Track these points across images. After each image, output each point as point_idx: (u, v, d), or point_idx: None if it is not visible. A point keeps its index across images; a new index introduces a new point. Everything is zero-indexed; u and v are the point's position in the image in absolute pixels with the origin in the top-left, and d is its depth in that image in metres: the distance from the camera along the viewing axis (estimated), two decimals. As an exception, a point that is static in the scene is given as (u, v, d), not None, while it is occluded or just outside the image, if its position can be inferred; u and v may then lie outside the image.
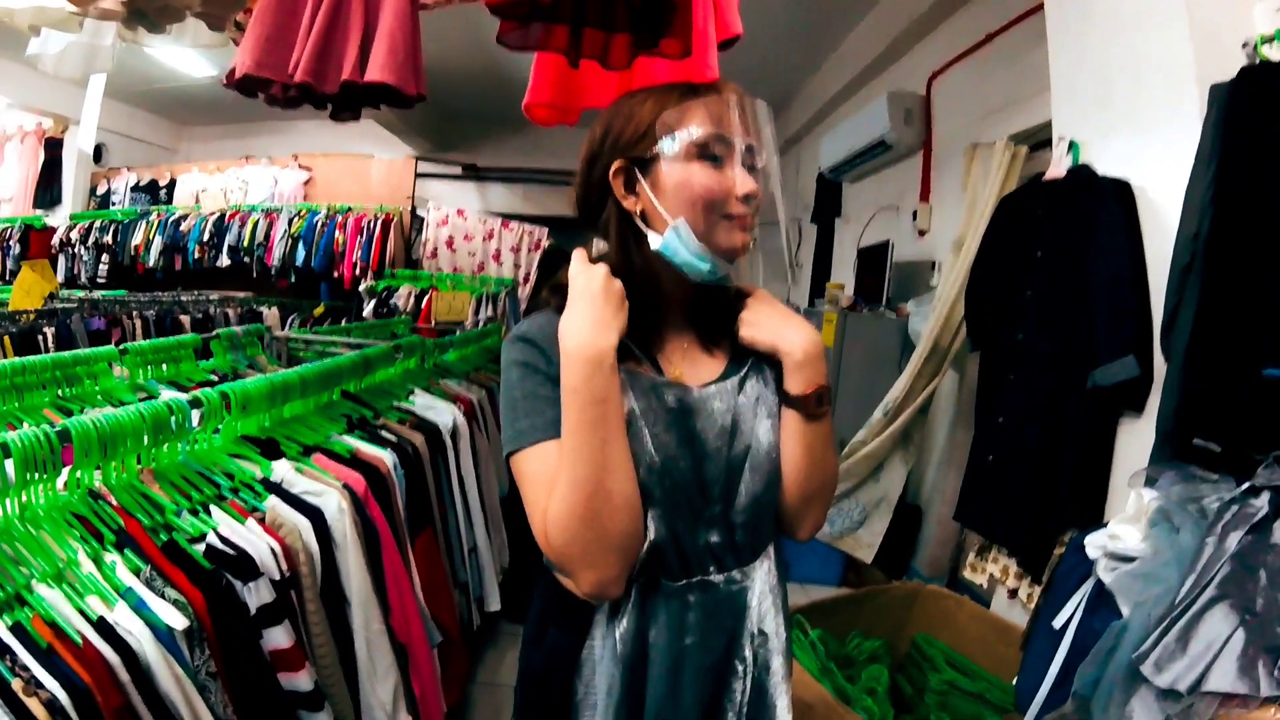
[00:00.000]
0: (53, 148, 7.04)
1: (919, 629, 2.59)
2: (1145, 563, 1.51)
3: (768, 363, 1.11)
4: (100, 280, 6.72)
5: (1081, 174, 2.23)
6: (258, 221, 6.61)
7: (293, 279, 6.58)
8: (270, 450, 1.80)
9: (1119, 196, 2.08)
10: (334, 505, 1.66)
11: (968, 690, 2.27)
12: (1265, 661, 1.21)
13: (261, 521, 1.54)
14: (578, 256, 1.03)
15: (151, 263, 6.71)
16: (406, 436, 2.23)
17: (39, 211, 6.95)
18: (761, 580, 1.06)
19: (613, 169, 1.03)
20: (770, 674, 1.07)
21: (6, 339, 3.54)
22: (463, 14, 2.24)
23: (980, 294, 2.72)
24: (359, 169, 7.28)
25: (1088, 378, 2.08)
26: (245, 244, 6.57)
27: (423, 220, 6.94)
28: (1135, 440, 2.06)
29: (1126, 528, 1.62)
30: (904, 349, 4.02)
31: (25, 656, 1.04)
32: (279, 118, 7.39)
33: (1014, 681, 1.92)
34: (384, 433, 2.19)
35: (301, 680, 1.46)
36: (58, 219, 6.94)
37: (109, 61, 2.92)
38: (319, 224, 6.52)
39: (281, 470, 1.70)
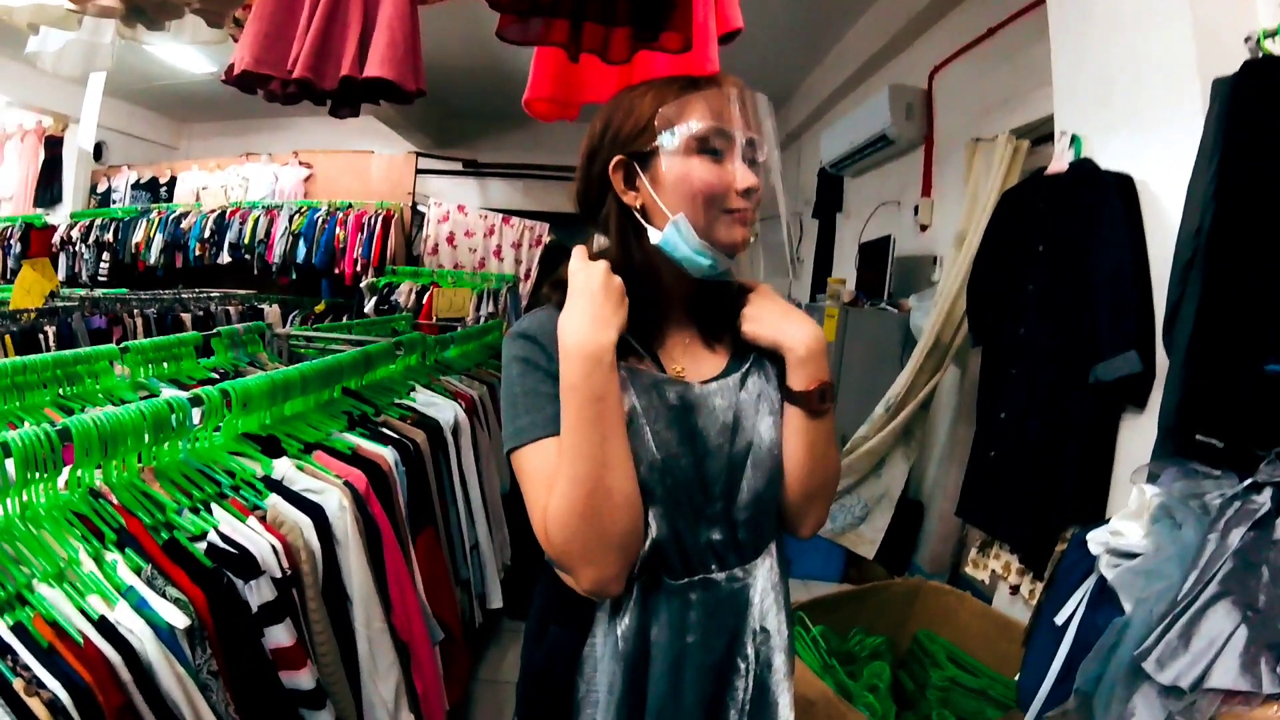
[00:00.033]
0: (53, 146, 7.04)
1: (921, 625, 2.59)
2: (1147, 559, 1.51)
3: (770, 359, 1.10)
4: (101, 278, 6.73)
5: (1083, 168, 2.22)
6: (258, 219, 6.61)
7: (294, 276, 6.58)
8: (271, 448, 1.80)
9: (1121, 191, 2.07)
10: (335, 503, 1.66)
11: (969, 687, 2.28)
12: (1267, 659, 1.21)
13: (263, 519, 1.53)
14: (577, 253, 1.03)
15: (152, 261, 6.71)
16: (408, 433, 2.22)
17: (39, 210, 6.95)
18: (763, 578, 1.06)
19: (612, 164, 1.02)
20: (772, 671, 1.07)
21: (7, 338, 3.54)
22: (462, 9, 2.23)
23: (982, 289, 2.72)
24: (359, 165, 7.28)
25: (1089, 373, 2.08)
26: (246, 241, 6.57)
27: (423, 216, 6.93)
28: (1137, 436, 2.06)
29: (1128, 524, 1.62)
30: (905, 344, 4.01)
31: (26, 656, 1.04)
32: (279, 114, 7.37)
33: (1016, 678, 1.92)
34: (385, 430, 2.18)
35: (303, 679, 1.46)
36: (58, 217, 6.94)
37: (108, 59, 2.92)
38: (320, 221, 6.52)
39: (282, 468, 1.70)
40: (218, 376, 2.40)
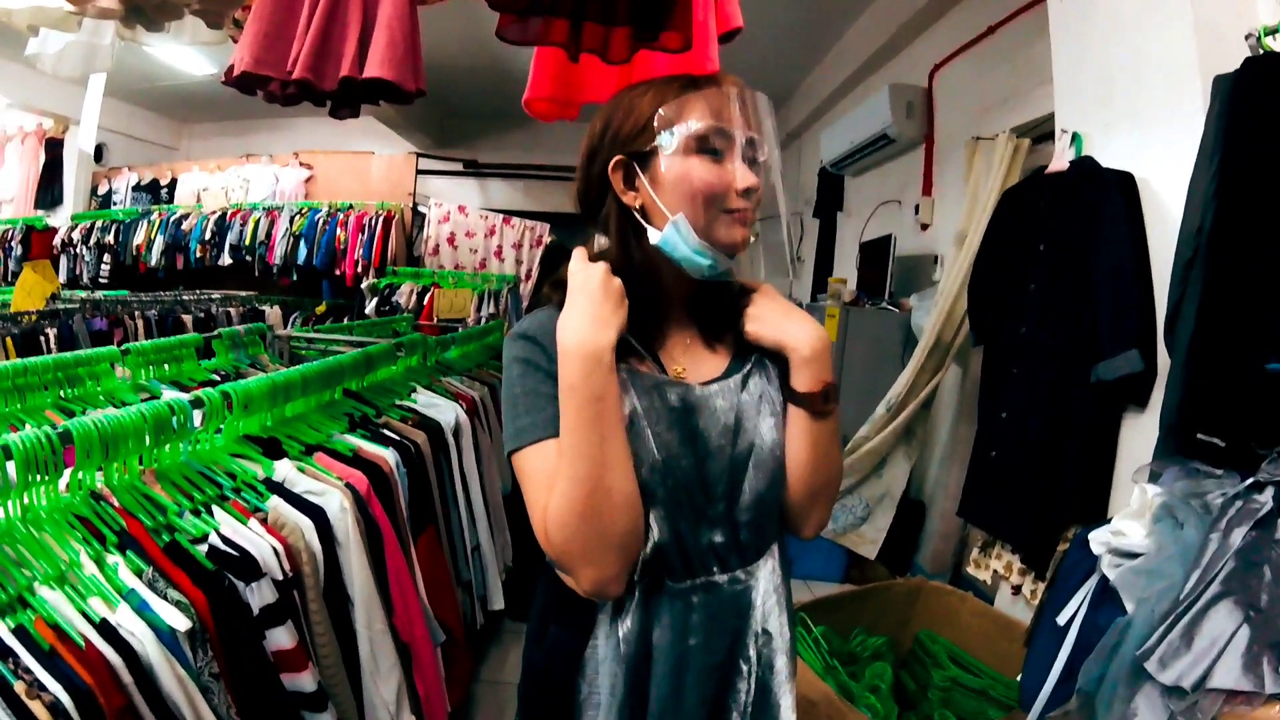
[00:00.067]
0: (53, 148, 7.04)
1: (922, 625, 2.59)
2: (1149, 559, 1.51)
3: (772, 359, 1.10)
4: (102, 280, 6.73)
5: (1084, 167, 2.22)
6: (259, 220, 6.61)
7: (294, 277, 6.58)
8: (272, 450, 1.80)
9: (1122, 189, 2.07)
10: (336, 504, 1.65)
11: (971, 687, 2.27)
12: (1270, 658, 1.21)
13: (264, 521, 1.53)
14: (578, 255, 1.02)
15: (153, 262, 6.71)
16: (409, 435, 2.22)
17: (40, 212, 6.96)
18: (765, 579, 1.06)
19: (612, 164, 1.02)
20: (774, 673, 1.07)
21: (9, 340, 3.54)
22: (462, 8, 2.22)
23: (983, 288, 2.72)
24: (360, 166, 7.28)
25: (1091, 372, 2.08)
26: (247, 242, 6.57)
27: (424, 217, 6.93)
28: (1139, 435, 2.06)
29: (1130, 523, 1.61)
30: (906, 344, 4.02)
31: (28, 659, 1.03)
32: (279, 115, 7.36)
33: (1018, 678, 1.92)
34: (386, 431, 2.18)
35: (305, 681, 1.46)
36: (59, 219, 6.94)
37: (108, 60, 2.92)
38: (320, 222, 6.52)
39: (283, 470, 1.69)
40: (219, 378, 2.40)
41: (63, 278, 6.40)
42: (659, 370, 1.04)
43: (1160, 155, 2.03)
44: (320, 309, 6.31)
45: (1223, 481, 1.53)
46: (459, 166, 8.03)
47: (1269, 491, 1.41)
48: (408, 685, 1.77)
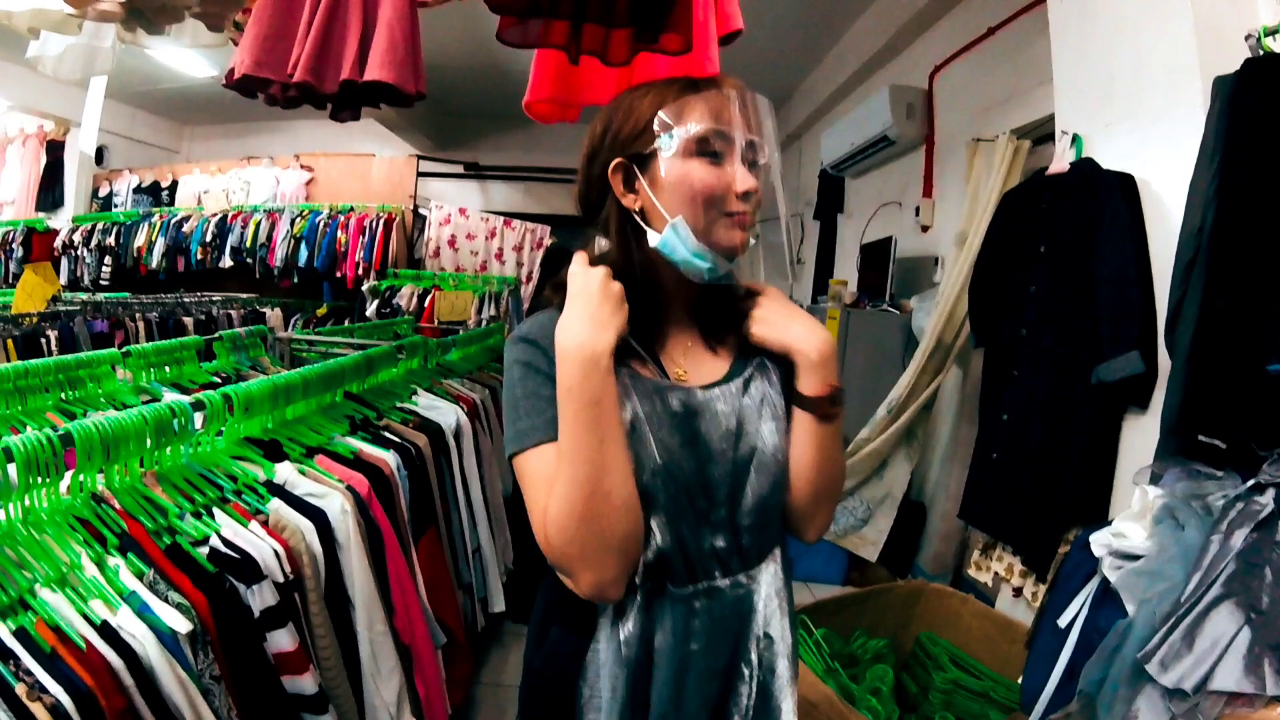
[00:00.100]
0: (54, 150, 7.04)
1: (923, 627, 2.59)
2: (1150, 560, 1.51)
3: (775, 362, 1.10)
4: (103, 282, 6.73)
5: (1085, 168, 2.22)
6: (260, 222, 6.61)
7: (295, 279, 6.58)
8: (273, 452, 1.80)
9: (1123, 190, 2.07)
10: (337, 507, 1.66)
11: (972, 689, 2.27)
12: (1271, 660, 1.21)
13: (264, 524, 1.53)
14: (578, 258, 1.02)
15: (154, 264, 6.71)
16: (409, 437, 2.22)
17: (41, 214, 6.95)
18: (767, 583, 1.06)
19: (611, 166, 1.02)
20: (775, 677, 1.07)
21: (9, 342, 3.54)
22: (462, 11, 2.23)
23: (984, 289, 2.72)
24: (360, 168, 7.28)
25: (1092, 374, 2.08)
26: (248, 245, 6.57)
27: (425, 219, 6.93)
28: (1140, 436, 2.06)
29: (1131, 525, 1.61)
30: (907, 345, 4.01)
31: (29, 661, 1.04)
32: (280, 117, 7.39)
33: (1019, 680, 1.92)
34: (387, 433, 2.18)
35: (305, 683, 1.46)
36: (60, 221, 6.94)
37: (109, 63, 2.92)
38: (321, 224, 6.52)
39: (284, 472, 1.70)
40: (220, 380, 2.40)
41: (63, 280, 6.41)
42: (660, 372, 1.04)
43: (1161, 155, 2.03)
44: (321, 311, 6.32)
45: (1224, 483, 1.53)
46: (460, 169, 8.03)
47: (1270, 493, 1.41)
48: (408, 687, 1.77)
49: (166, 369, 2.31)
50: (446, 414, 2.56)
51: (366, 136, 7.50)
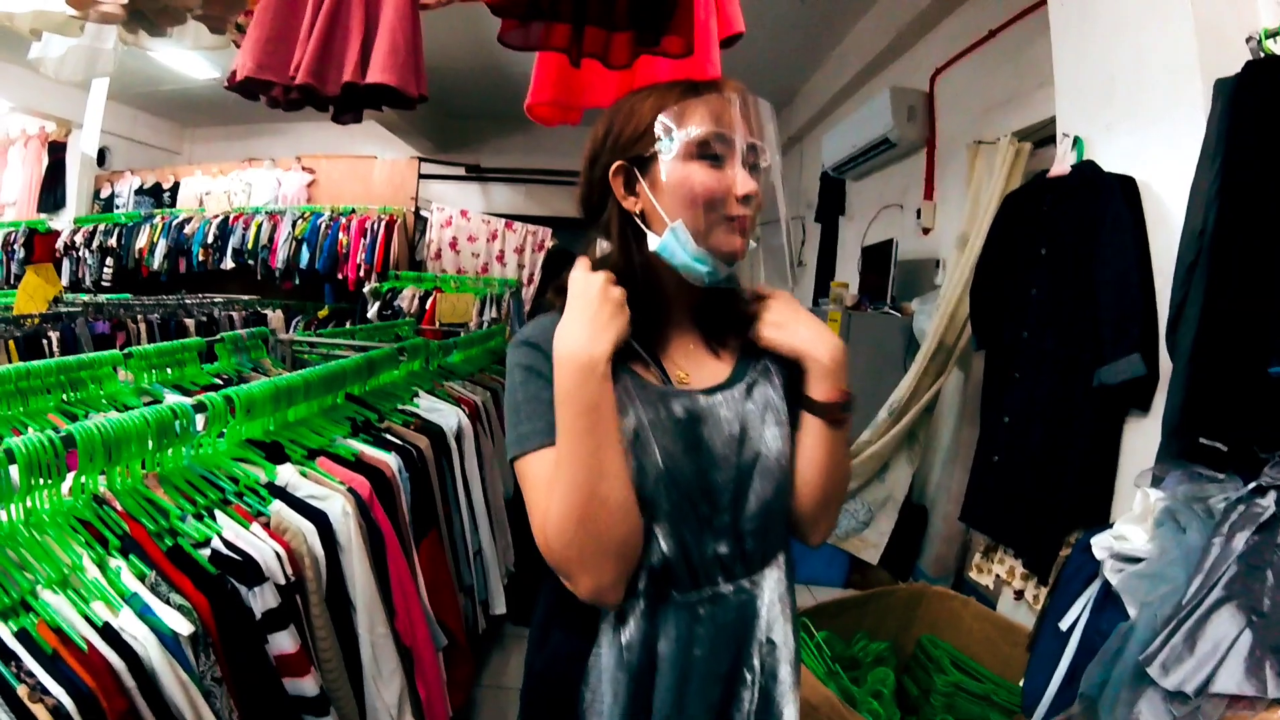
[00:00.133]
0: (56, 151, 7.05)
1: (924, 630, 2.59)
2: (1152, 563, 1.51)
3: (780, 366, 1.10)
4: (104, 284, 6.73)
5: (1086, 170, 2.22)
6: (261, 224, 6.61)
7: (297, 281, 6.58)
8: (275, 454, 1.80)
9: (1124, 193, 2.07)
10: (339, 509, 1.66)
11: (974, 692, 2.27)
12: (1272, 663, 1.21)
13: (266, 526, 1.53)
14: (580, 263, 1.02)
15: (156, 266, 6.71)
16: (411, 439, 2.22)
17: (43, 215, 6.95)
18: (770, 589, 1.05)
19: (612, 169, 1.03)
20: (778, 683, 1.06)
21: (11, 343, 3.54)
22: (464, 13, 2.23)
23: (985, 292, 2.72)
24: (362, 170, 7.28)
25: (1093, 376, 2.08)
26: (249, 246, 6.57)
27: (426, 221, 6.93)
28: (1141, 439, 2.05)
29: (1133, 528, 1.61)
30: (909, 348, 4.01)
31: (30, 662, 1.04)
32: (282, 119, 7.40)
33: (1020, 683, 1.92)
34: (388, 436, 2.18)
35: (307, 685, 1.46)
36: (62, 222, 6.94)
37: (110, 64, 2.93)
38: (323, 226, 6.51)
39: (286, 474, 1.70)
40: (221, 382, 2.40)
41: (65, 281, 6.41)
42: (661, 375, 1.04)
43: (1162, 157, 2.03)
44: (322, 313, 6.32)
45: (1225, 486, 1.53)
46: (461, 171, 8.04)
47: (1271, 495, 1.40)
48: (409, 689, 1.77)
49: (168, 370, 2.31)
50: (448, 416, 2.56)
51: (368, 138, 7.51)
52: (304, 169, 7.22)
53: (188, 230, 6.72)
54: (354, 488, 1.75)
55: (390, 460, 1.99)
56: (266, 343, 2.84)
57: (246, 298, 6.19)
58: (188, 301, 5.50)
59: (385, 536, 1.78)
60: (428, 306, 5.95)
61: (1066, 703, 1.58)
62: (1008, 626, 2.40)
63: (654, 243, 1.00)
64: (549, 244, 6.92)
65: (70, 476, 1.35)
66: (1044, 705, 1.69)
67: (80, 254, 6.83)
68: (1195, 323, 1.71)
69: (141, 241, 6.75)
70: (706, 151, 0.98)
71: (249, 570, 1.39)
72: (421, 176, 7.36)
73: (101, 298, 5.31)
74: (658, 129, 0.99)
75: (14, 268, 6.33)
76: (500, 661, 3.07)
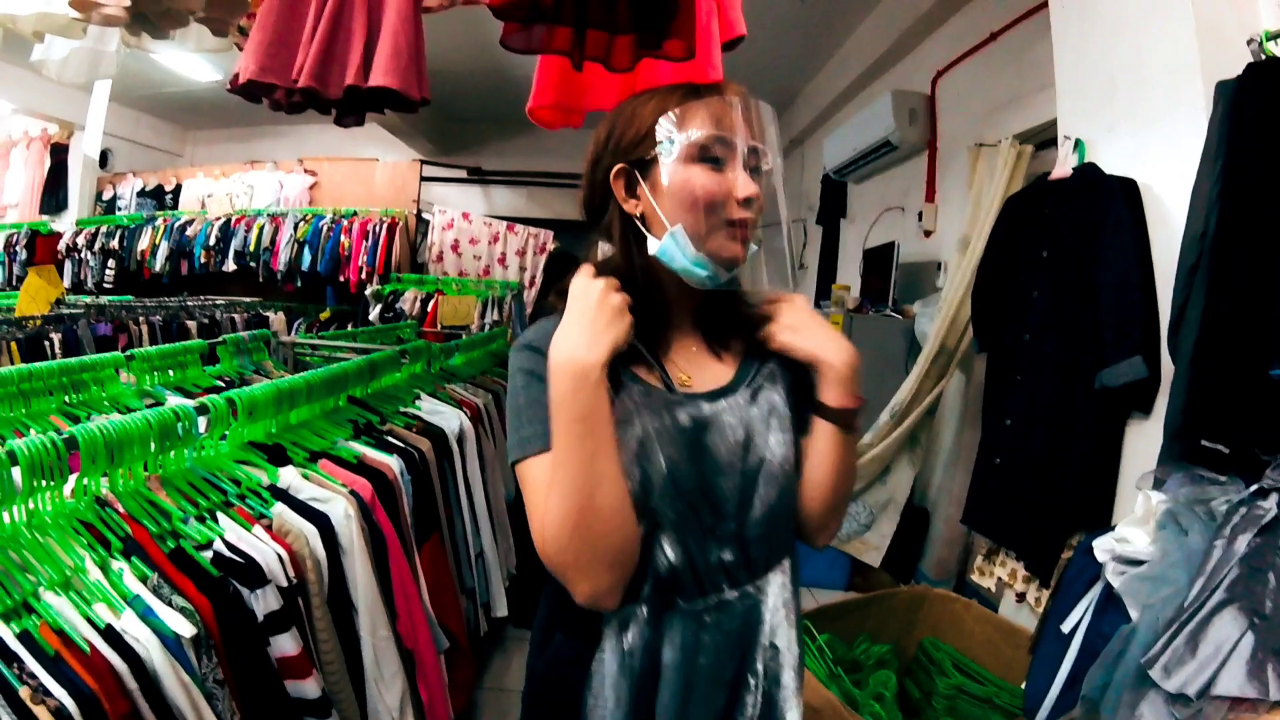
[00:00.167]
0: (58, 153, 7.06)
1: (926, 633, 2.59)
2: (1153, 565, 1.51)
3: (787, 370, 1.11)
4: (106, 285, 6.74)
5: (1087, 173, 2.22)
6: (263, 226, 6.61)
7: (298, 283, 6.58)
8: (277, 456, 1.81)
9: (1125, 195, 2.07)
10: (341, 511, 1.66)
11: (976, 694, 2.27)
12: (1274, 665, 1.21)
13: (268, 528, 1.53)
14: (583, 270, 1.01)
15: (158, 268, 6.71)
16: (413, 442, 2.23)
17: (45, 217, 6.94)
18: (775, 594, 1.05)
19: (613, 171, 1.03)
20: (781, 688, 1.06)
21: (13, 345, 3.54)
22: (466, 16, 2.23)
23: (986, 295, 2.72)
24: (364, 173, 7.28)
25: (1095, 379, 2.08)
26: (251, 248, 6.57)
27: (428, 224, 6.93)
28: (1143, 442, 2.05)
29: (1135, 530, 1.61)
30: (910, 350, 4.01)
31: (33, 664, 1.04)
32: (284, 122, 7.41)
33: (1022, 685, 1.91)
34: (390, 438, 2.19)
35: (309, 687, 1.46)
36: (64, 224, 6.94)
37: (113, 67, 2.93)
38: (324, 228, 6.51)
39: (288, 476, 1.70)
40: (223, 384, 2.41)
41: (67, 283, 6.40)
42: (663, 378, 1.04)
43: (1163, 159, 2.03)
44: (324, 315, 6.31)
45: (1227, 488, 1.53)
46: (463, 173, 8.05)
47: (1274, 498, 1.40)
48: (411, 692, 1.77)
49: (170, 372, 2.32)
50: (450, 418, 2.56)
51: (370, 141, 7.52)
52: (306, 171, 7.23)
53: (190, 232, 6.73)
54: (356, 490, 1.75)
55: (392, 463, 1.99)
56: (268, 345, 2.84)
57: (248, 300, 6.18)
58: (189, 303, 5.49)
59: (387, 539, 1.78)
60: (429, 309, 5.94)
61: (1068, 705, 1.58)
62: (1009, 629, 2.40)
63: (654, 246, 1.00)
64: (550, 246, 6.93)
65: (72, 478, 1.35)
66: (1046, 707, 1.69)
67: (82, 256, 6.84)
68: (1197, 325, 1.71)
69: (143, 243, 6.75)
70: (707, 154, 0.98)
71: (251, 572, 1.39)
72: (423, 179, 7.37)
73: (103, 299, 5.31)
74: (658, 132, 0.99)
75: (16, 269, 6.34)
76: (502, 664, 3.06)
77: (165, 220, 6.87)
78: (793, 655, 1.07)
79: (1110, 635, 1.49)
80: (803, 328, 1.07)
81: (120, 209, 7.34)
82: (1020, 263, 2.49)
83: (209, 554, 1.39)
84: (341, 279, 6.47)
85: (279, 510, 1.58)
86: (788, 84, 6.46)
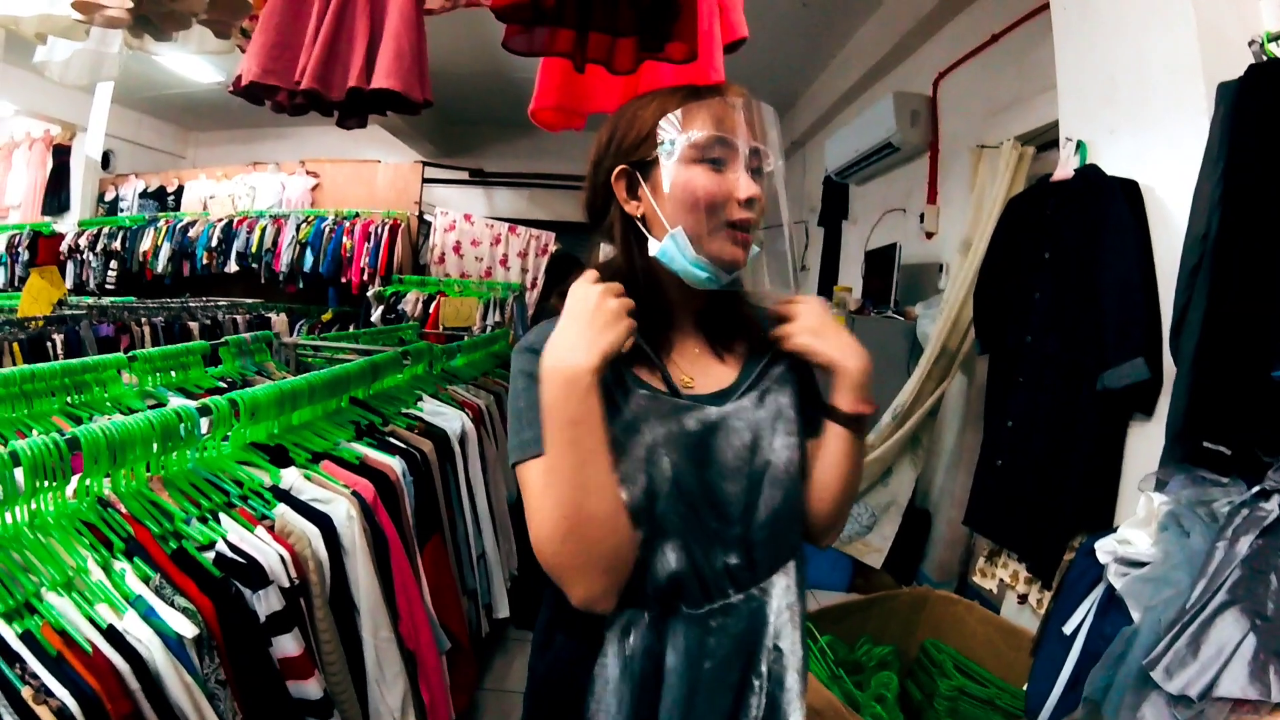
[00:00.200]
0: (60, 154, 7.07)
1: (928, 634, 2.58)
2: (1155, 567, 1.51)
3: (794, 373, 1.11)
4: (109, 286, 6.74)
5: (1089, 174, 2.22)
6: (265, 227, 6.62)
7: (300, 285, 6.58)
8: (279, 457, 1.81)
9: (1127, 197, 2.07)
10: (343, 513, 1.66)
11: (977, 696, 2.27)
12: (1276, 667, 1.21)
13: (270, 529, 1.54)
14: (586, 276, 0.99)
15: (160, 269, 6.72)
16: (415, 443, 2.23)
17: (47, 218, 6.95)
18: (779, 596, 1.05)
19: (615, 173, 1.03)
20: (784, 690, 1.05)
21: (15, 346, 3.54)
22: (468, 18, 2.24)
23: (988, 296, 2.72)
24: (366, 174, 7.29)
25: (1097, 380, 2.07)
26: (253, 250, 6.58)
27: (430, 225, 6.94)
28: (1145, 443, 2.05)
29: (1136, 532, 1.61)
30: (912, 352, 4.01)
31: (35, 664, 1.04)
32: (286, 123, 7.41)
33: (1024, 687, 1.91)
34: (392, 439, 2.19)
35: (310, 688, 1.46)
36: (66, 225, 6.95)
37: (115, 69, 2.94)
38: (326, 229, 6.52)
39: (290, 477, 1.70)
40: (225, 385, 2.41)
41: (69, 284, 6.40)
42: (665, 379, 1.04)
43: (1164, 160, 2.03)
44: (326, 316, 6.32)
45: (1229, 489, 1.53)
46: (465, 175, 8.07)
47: (1275, 499, 1.40)
48: (413, 693, 1.77)
49: (172, 373, 2.32)
50: (452, 420, 2.56)
51: (372, 143, 7.52)
52: (308, 173, 7.24)
53: (192, 234, 6.74)
54: (358, 491, 1.75)
55: (394, 464, 1.99)
56: (270, 346, 2.84)
57: (250, 301, 6.19)
58: (192, 305, 5.49)
59: (389, 540, 1.78)
60: (431, 310, 5.95)
61: (1070, 707, 1.58)
62: (1011, 631, 2.40)
63: (654, 248, 1.00)
64: (552, 248, 6.93)
65: (75, 479, 1.35)
66: (1048, 709, 1.69)
67: (84, 257, 6.85)
68: (1198, 326, 1.71)
69: (146, 244, 6.76)
70: (708, 155, 0.98)
71: (253, 573, 1.40)
72: (425, 181, 7.38)
73: (106, 300, 5.31)
74: (659, 133, 0.99)
75: (18, 270, 6.34)
76: (503, 665, 3.06)
77: (167, 221, 6.88)
78: (796, 657, 1.07)
79: (1112, 637, 1.49)
80: (825, 332, 1.07)
81: (122, 210, 7.35)
82: (1022, 264, 2.48)
83: (211, 555, 1.39)
84: (343, 280, 6.47)
85: (281, 511, 1.58)
86: (789, 86, 6.46)
